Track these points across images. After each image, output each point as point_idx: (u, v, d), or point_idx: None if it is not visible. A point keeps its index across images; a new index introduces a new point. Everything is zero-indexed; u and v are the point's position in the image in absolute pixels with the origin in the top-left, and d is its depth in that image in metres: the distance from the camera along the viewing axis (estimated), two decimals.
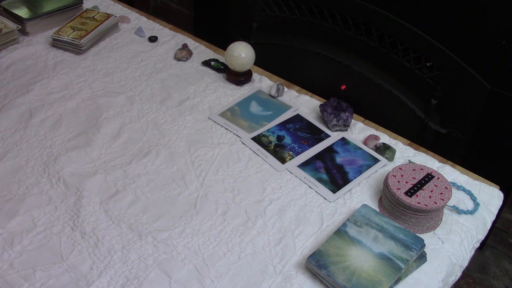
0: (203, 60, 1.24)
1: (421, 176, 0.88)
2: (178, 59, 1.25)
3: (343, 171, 0.97)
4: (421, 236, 0.83)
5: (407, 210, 0.84)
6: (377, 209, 0.90)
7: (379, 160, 0.99)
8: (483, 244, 1.68)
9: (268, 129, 1.06)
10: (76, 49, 1.24)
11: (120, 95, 1.12)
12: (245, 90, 1.17)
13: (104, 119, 1.06)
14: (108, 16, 1.31)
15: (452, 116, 1.45)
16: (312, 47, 1.68)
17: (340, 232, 0.82)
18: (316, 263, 0.77)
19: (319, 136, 1.05)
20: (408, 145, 1.04)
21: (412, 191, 0.85)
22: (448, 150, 1.31)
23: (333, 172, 0.97)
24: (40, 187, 0.90)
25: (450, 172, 0.98)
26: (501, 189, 0.97)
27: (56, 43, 1.25)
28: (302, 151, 1.01)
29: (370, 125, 1.09)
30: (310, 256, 0.78)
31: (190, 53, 1.26)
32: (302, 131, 1.06)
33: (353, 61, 1.61)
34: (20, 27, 1.26)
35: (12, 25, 1.24)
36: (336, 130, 1.06)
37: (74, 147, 0.99)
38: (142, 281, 0.77)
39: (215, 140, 1.03)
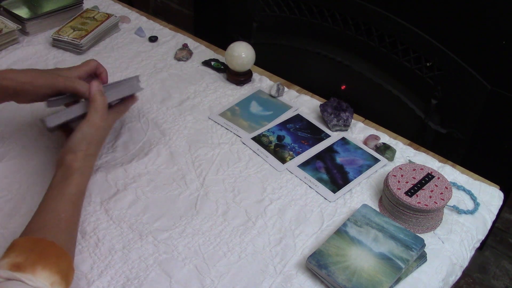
0: (203, 60, 1.24)
1: (421, 176, 0.88)
2: (178, 59, 1.25)
3: (343, 171, 0.97)
4: (421, 236, 0.83)
5: (407, 210, 0.85)
6: (377, 209, 0.90)
7: (379, 160, 0.99)
8: (483, 244, 1.69)
9: (268, 129, 1.06)
10: (76, 49, 1.24)
11: None
12: (245, 90, 1.17)
13: None
14: (108, 16, 1.31)
15: (452, 116, 1.45)
16: (312, 47, 1.69)
17: (340, 232, 0.82)
18: (317, 263, 0.77)
19: (319, 136, 1.05)
20: (408, 145, 1.04)
21: (412, 191, 0.85)
22: (448, 150, 1.31)
23: (333, 172, 0.97)
24: (41, 187, 0.90)
25: (450, 172, 0.99)
26: (501, 189, 0.97)
27: (57, 43, 1.25)
28: (302, 151, 1.01)
29: (370, 125, 1.09)
30: (310, 256, 0.79)
31: (190, 53, 1.26)
32: (302, 131, 1.06)
33: (353, 61, 1.61)
34: (20, 27, 1.26)
35: (12, 25, 1.24)
36: (336, 130, 1.06)
37: None
38: (142, 281, 0.77)
39: (215, 140, 1.03)
